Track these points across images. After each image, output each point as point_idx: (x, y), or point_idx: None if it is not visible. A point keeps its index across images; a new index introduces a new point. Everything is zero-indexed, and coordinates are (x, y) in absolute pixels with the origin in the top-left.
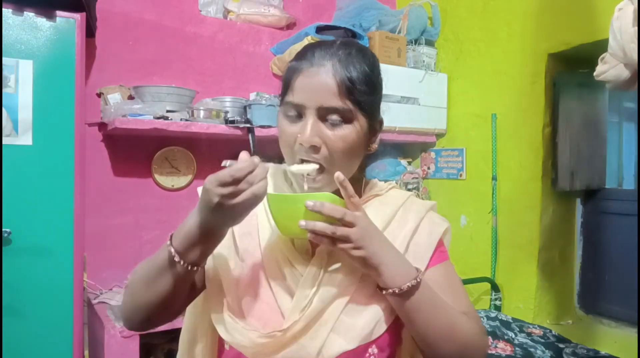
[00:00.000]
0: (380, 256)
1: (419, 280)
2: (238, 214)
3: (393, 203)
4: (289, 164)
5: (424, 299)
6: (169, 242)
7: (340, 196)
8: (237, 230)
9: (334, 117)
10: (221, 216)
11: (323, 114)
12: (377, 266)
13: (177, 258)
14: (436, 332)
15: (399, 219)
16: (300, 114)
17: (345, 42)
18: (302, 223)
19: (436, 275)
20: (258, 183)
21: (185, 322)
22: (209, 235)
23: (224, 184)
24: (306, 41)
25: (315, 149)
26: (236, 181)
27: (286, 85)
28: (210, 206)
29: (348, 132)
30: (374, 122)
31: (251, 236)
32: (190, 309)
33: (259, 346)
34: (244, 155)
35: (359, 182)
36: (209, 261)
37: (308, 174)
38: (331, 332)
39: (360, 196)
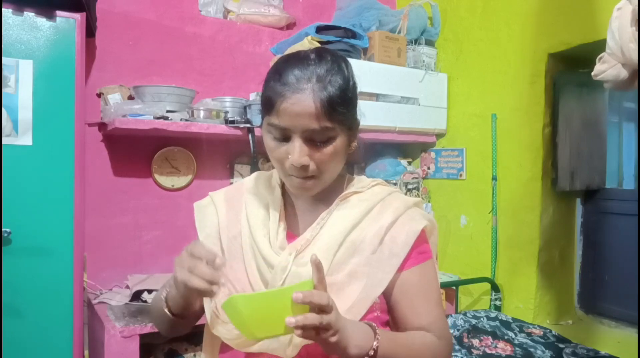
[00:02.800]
0: (347, 332)
1: (379, 336)
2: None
3: (371, 199)
4: (281, 176)
5: (388, 348)
6: (164, 293)
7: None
8: (225, 234)
9: (319, 137)
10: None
11: (308, 135)
12: (346, 345)
13: (166, 310)
14: None
15: (374, 215)
16: (286, 136)
17: (319, 54)
18: (292, 320)
19: (412, 277)
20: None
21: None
22: (177, 297)
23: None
24: (306, 41)
25: (305, 167)
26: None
27: (269, 104)
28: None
29: (332, 147)
30: (353, 128)
31: (235, 240)
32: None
33: (237, 337)
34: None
35: (342, 179)
36: None
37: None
38: None
39: (341, 192)
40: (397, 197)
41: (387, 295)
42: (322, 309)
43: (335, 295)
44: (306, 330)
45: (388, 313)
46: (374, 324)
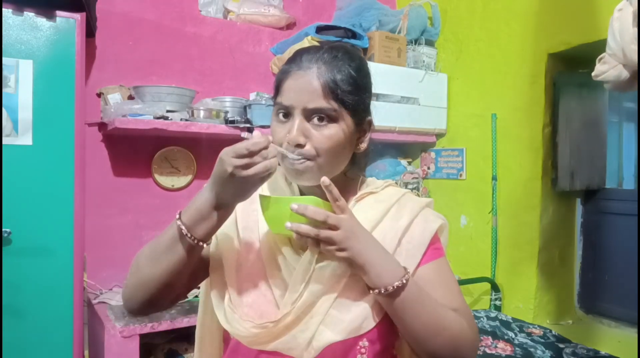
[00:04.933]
0: (366, 256)
1: (405, 280)
2: (248, 188)
3: (387, 200)
4: (279, 161)
5: (412, 298)
6: (177, 217)
7: (326, 199)
8: (239, 223)
9: (319, 116)
10: (232, 188)
11: (309, 114)
12: (362, 265)
13: (185, 232)
14: (423, 328)
15: (392, 216)
16: (288, 115)
17: (333, 45)
18: (288, 224)
19: (429, 272)
20: (270, 158)
21: (198, 316)
22: (219, 208)
23: (239, 156)
24: (306, 41)
25: (300, 146)
26: (251, 154)
27: (277, 88)
28: (223, 176)
29: (333, 132)
30: (362, 122)
31: (251, 231)
32: (201, 303)
33: (253, 335)
34: (257, 132)
35: (355, 180)
36: (214, 254)
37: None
38: (321, 325)
39: (355, 193)
40: (411, 198)
41: None
42: (327, 225)
43: (356, 296)
44: (302, 237)
45: None
46: (409, 269)
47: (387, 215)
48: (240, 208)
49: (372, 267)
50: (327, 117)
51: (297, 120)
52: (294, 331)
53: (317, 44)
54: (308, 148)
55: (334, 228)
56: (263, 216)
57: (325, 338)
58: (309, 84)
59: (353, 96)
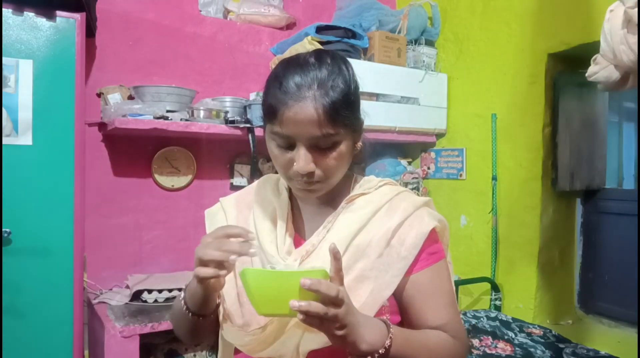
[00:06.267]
0: (357, 330)
1: (392, 334)
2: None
3: (378, 201)
4: (285, 180)
5: (401, 346)
6: (182, 293)
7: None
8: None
9: (323, 143)
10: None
11: (313, 143)
12: (354, 342)
13: (185, 308)
14: None
15: (381, 217)
16: (290, 144)
17: (319, 57)
18: (295, 303)
19: (423, 280)
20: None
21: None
22: (196, 291)
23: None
24: (306, 41)
25: (310, 174)
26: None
27: (271, 113)
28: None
29: (337, 152)
30: (357, 129)
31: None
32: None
33: (247, 344)
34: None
35: (349, 178)
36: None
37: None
38: (305, 330)
39: (348, 193)
40: (406, 197)
41: (397, 297)
42: (331, 301)
43: None
44: (309, 317)
45: (400, 315)
46: (388, 321)
47: (374, 217)
48: (234, 223)
49: (361, 337)
50: (331, 142)
51: (303, 151)
52: (282, 337)
53: (317, 44)
54: (317, 173)
55: (340, 303)
56: (250, 293)
57: (310, 343)
58: (309, 116)
59: (350, 115)
